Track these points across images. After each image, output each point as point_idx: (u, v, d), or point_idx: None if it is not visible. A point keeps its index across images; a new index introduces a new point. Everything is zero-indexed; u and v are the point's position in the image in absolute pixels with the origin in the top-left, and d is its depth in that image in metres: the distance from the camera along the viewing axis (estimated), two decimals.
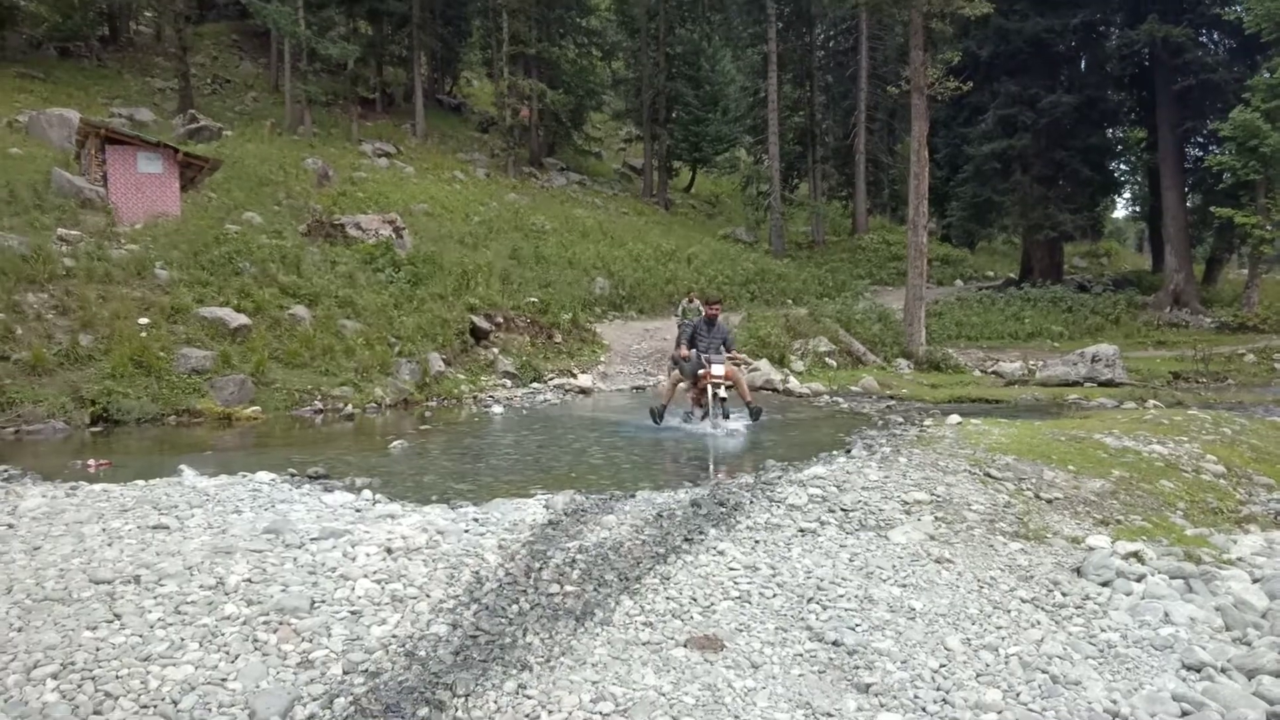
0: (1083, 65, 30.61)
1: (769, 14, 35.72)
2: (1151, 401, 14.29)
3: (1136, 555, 4.51)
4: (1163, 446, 7.08)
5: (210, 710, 2.40)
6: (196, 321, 13.67)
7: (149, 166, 18.77)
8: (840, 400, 14.90)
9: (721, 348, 11.04)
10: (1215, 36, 29.17)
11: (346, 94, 34.64)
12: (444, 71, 46.53)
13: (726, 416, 10.75)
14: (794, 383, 17.10)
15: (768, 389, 16.71)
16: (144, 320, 13.21)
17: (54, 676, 2.60)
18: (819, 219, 39.81)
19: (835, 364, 20.59)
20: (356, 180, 27.56)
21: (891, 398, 16.13)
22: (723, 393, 10.59)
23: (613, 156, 49.12)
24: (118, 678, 2.61)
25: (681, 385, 11.52)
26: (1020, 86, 28.83)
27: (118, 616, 2.97)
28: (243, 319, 14.03)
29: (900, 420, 11.34)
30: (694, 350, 11.09)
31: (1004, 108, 29.00)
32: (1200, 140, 30.45)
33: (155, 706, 2.53)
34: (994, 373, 20.84)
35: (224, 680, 2.62)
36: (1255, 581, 4.25)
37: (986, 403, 15.64)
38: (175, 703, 2.53)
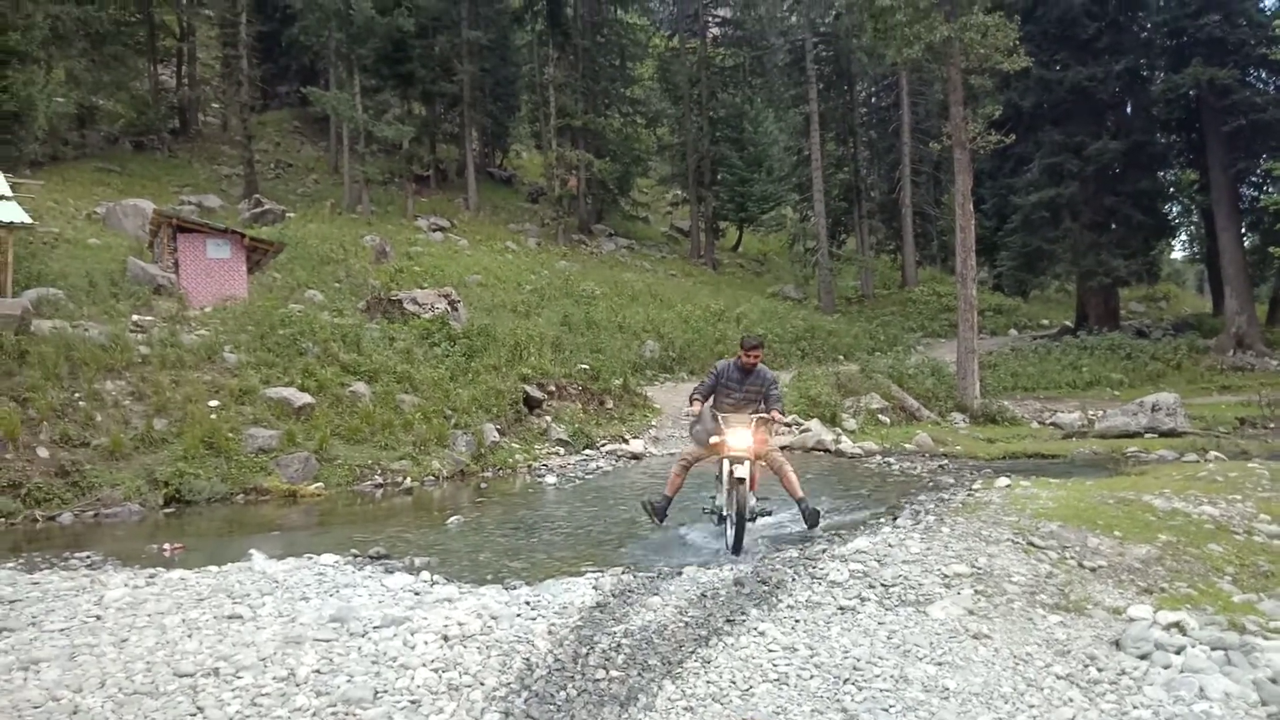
0: (1129, 110, 30.51)
1: (809, 75, 36.38)
2: (1213, 453, 14.01)
3: (1178, 625, 4.54)
4: (1214, 507, 7.03)
5: None
6: (263, 402, 14.24)
7: (218, 252, 19.70)
8: (891, 461, 14.86)
9: (757, 407, 7.68)
10: (1264, 75, 28.91)
11: (402, 172, 35.94)
12: (494, 146, 48.01)
13: (754, 518, 7.53)
14: (846, 443, 17.05)
15: (819, 449, 16.70)
16: (214, 403, 13.81)
17: None
18: (867, 273, 39.90)
19: (889, 420, 20.49)
20: (413, 255, 28.47)
21: (945, 455, 16.02)
22: (741, 471, 6.97)
23: (660, 220, 49.93)
24: None
25: (702, 462, 8.09)
26: (1065, 135, 28.81)
27: (200, 710, 3.24)
28: (306, 398, 14.57)
29: (951, 481, 11.32)
30: (708, 405, 7.75)
31: (1049, 156, 28.98)
32: (1255, 180, 30.02)
33: None
34: (1052, 424, 20.54)
35: None
36: None
37: (1042, 458, 15.46)
38: None
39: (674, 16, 46.29)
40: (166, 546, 8.57)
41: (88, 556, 7.90)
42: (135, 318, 16.08)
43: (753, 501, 7.35)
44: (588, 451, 16.42)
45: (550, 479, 13.69)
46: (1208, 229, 32.62)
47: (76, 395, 12.81)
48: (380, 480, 13.58)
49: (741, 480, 6.91)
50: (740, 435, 7.14)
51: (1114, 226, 30.05)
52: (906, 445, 17.22)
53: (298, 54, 41.37)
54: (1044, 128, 29.43)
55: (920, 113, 39.53)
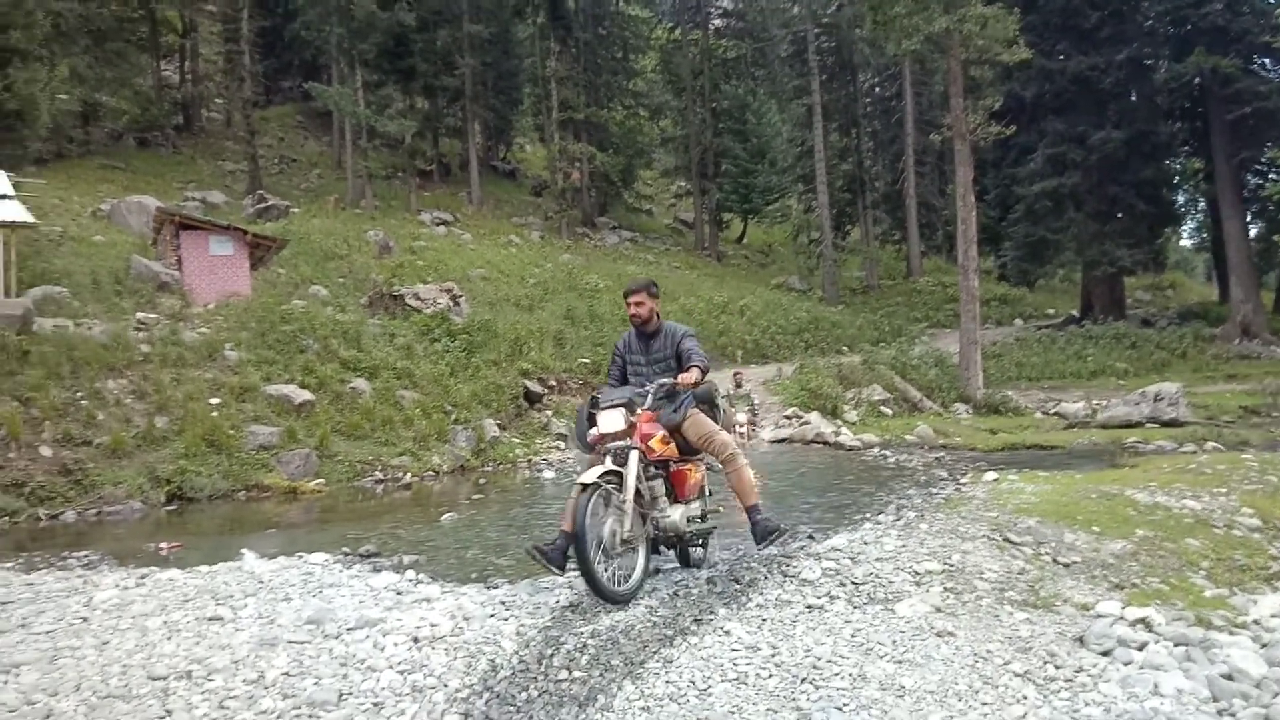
0: (1132, 99, 30.35)
1: (812, 66, 36.32)
2: (1211, 443, 13.99)
3: (1144, 622, 4.58)
4: (1196, 501, 7.06)
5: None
6: (264, 399, 14.39)
7: (221, 249, 19.81)
8: (889, 453, 14.91)
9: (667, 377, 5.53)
10: (1267, 64, 28.73)
11: (405, 167, 36.05)
12: (497, 139, 48.06)
13: (673, 544, 5.63)
14: (845, 435, 17.13)
15: (819, 442, 16.79)
16: (215, 400, 13.97)
17: None
18: (872, 264, 39.88)
19: (891, 412, 20.55)
20: (416, 249, 28.56)
21: (945, 447, 16.06)
22: (633, 476, 4.94)
23: (664, 212, 49.92)
24: None
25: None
26: (1068, 125, 28.73)
27: (169, 713, 3.33)
28: (306, 395, 14.72)
29: (944, 475, 11.37)
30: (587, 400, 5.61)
31: (1052, 146, 28.90)
32: (1260, 168, 29.86)
33: None
34: (1056, 414, 20.55)
35: None
36: (1263, 647, 4.31)
37: (1041, 449, 15.48)
38: None
39: (676, 8, 46.24)
40: (164, 545, 8.70)
41: (85, 556, 8.04)
42: (139, 315, 16.25)
43: (682, 512, 5.41)
44: None
45: (549, 474, 13.79)
46: (1213, 217, 32.52)
47: (78, 394, 12.97)
48: (380, 476, 13.73)
49: (618, 472, 4.91)
50: (610, 416, 5.05)
51: (1118, 216, 29.99)
52: (907, 437, 17.28)
53: (300, 49, 41.47)
54: (1046, 117, 29.34)
55: (924, 103, 39.42)
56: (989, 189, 32.80)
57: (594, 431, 5.21)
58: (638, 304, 5.79)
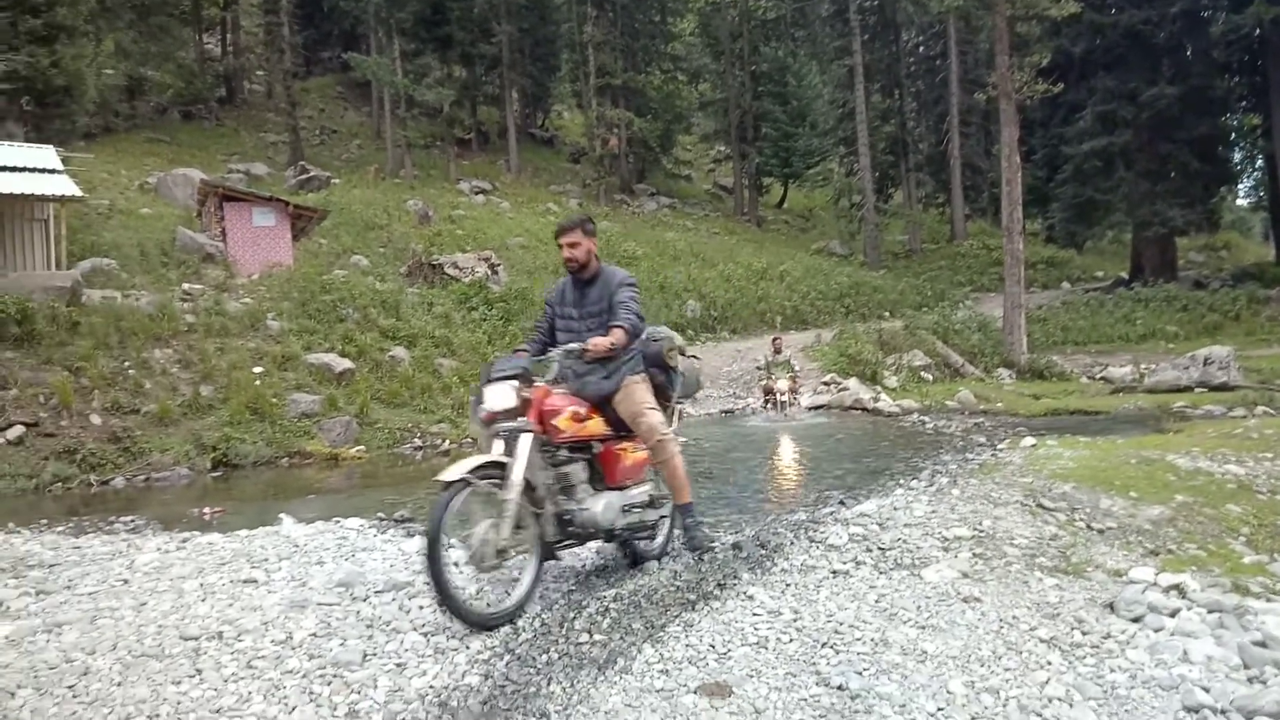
0: (1187, 53, 29.31)
1: (853, 26, 35.60)
2: (1261, 408, 13.61)
3: (1178, 588, 4.49)
4: (1240, 466, 6.89)
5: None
6: (305, 368, 14.63)
7: (263, 220, 20.12)
8: (927, 419, 14.74)
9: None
10: None
11: (444, 136, 36.13)
12: (535, 107, 47.90)
13: (556, 542, 4.39)
14: (884, 401, 16.96)
15: (857, 408, 16.65)
16: (258, 369, 14.23)
17: None
18: (915, 228, 39.24)
19: (931, 378, 20.30)
20: (455, 218, 28.73)
21: (985, 413, 15.84)
22: (519, 467, 4.06)
23: (703, 178, 49.52)
24: None
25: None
26: (1119, 81, 27.90)
27: (199, 671, 3.42)
28: (347, 363, 14.94)
29: (982, 441, 11.22)
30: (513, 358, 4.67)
31: (1102, 104, 28.10)
32: None
33: None
34: (1102, 379, 20.17)
35: None
36: None
37: (1085, 414, 15.19)
38: None
39: None
40: (206, 510, 8.92)
41: (131, 521, 8.27)
42: (185, 286, 16.57)
43: (608, 502, 4.50)
44: None
45: None
46: (1270, 175, 31.44)
47: (126, 364, 13.29)
48: (420, 443, 13.92)
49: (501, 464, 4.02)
50: (497, 391, 4.21)
51: (1171, 175, 29.12)
52: (947, 403, 17.06)
53: (339, 19, 41.61)
54: (1097, 74, 28.50)
55: (969, 61, 38.44)
56: (1036, 149, 32.03)
57: (483, 409, 4.25)
58: (571, 245, 4.80)
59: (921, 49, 43.26)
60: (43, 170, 16.23)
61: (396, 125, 34.94)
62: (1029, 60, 21.45)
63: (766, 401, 16.16)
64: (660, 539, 5.18)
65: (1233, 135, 34.11)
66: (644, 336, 4.97)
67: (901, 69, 40.27)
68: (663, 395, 5.05)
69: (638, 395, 4.77)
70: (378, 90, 37.59)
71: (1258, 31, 26.73)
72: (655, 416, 4.74)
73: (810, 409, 16.83)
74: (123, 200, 23.14)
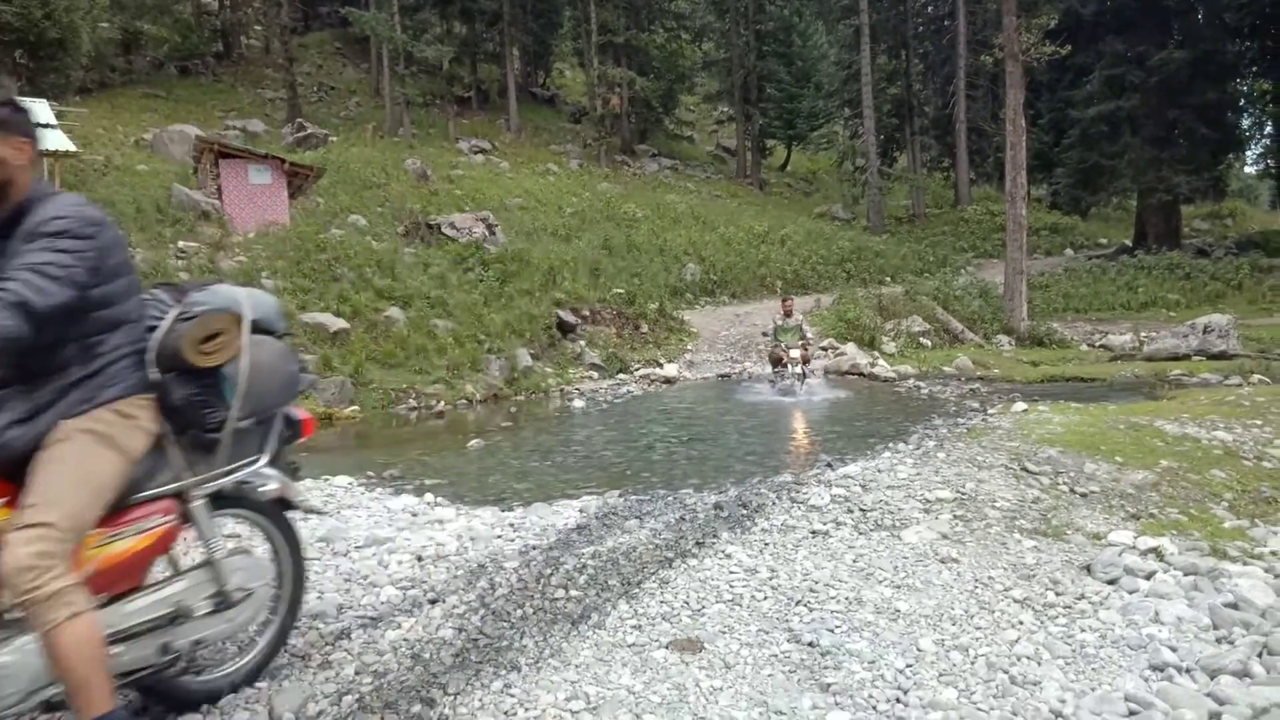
0: (1199, 17, 28.86)
1: None
2: (1257, 376, 13.60)
3: (1156, 551, 4.51)
4: (1228, 433, 6.89)
5: (237, 706, 2.83)
6: (299, 327, 14.58)
7: (259, 178, 20.00)
8: (923, 385, 14.73)
9: None
10: None
11: (443, 94, 35.76)
12: (536, 65, 47.36)
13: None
14: (881, 366, 16.95)
15: (853, 373, 16.64)
16: None
17: None
18: (918, 192, 38.92)
19: (930, 344, 20.26)
20: (454, 178, 28.51)
21: (982, 379, 15.82)
22: None
23: (705, 139, 49.07)
24: None
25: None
26: (1127, 44, 27.50)
27: None
28: (342, 323, 14.90)
29: (975, 406, 11.21)
30: None
31: (1110, 67, 27.73)
32: None
33: None
34: (1101, 346, 20.15)
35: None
36: (1276, 577, 4.22)
37: (1081, 382, 15.18)
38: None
39: None
40: None
41: None
42: (180, 244, 16.48)
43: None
44: (621, 376, 16.56)
45: (579, 403, 13.88)
46: (1278, 142, 31.09)
47: None
48: (414, 404, 13.92)
49: None
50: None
51: (1178, 141, 28.80)
52: (945, 369, 17.04)
53: None
54: (1105, 37, 28.10)
55: (978, 23, 37.82)
56: (1042, 113, 31.69)
57: None
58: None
59: (929, 9, 42.59)
60: (36, 125, 16.07)
61: (395, 82, 34.54)
62: (1037, 22, 21.12)
63: (776, 372, 14.28)
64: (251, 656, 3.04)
65: (1242, 101, 33.65)
66: (137, 320, 2.66)
67: (909, 30, 39.69)
68: (194, 423, 2.76)
69: (65, 469, 2.39)
70: (376, 46, 37.16)
71: None
72: (43, 542, 2.24)
73: (827, 374, 15.65)
74: (119, 156, 22.97)
